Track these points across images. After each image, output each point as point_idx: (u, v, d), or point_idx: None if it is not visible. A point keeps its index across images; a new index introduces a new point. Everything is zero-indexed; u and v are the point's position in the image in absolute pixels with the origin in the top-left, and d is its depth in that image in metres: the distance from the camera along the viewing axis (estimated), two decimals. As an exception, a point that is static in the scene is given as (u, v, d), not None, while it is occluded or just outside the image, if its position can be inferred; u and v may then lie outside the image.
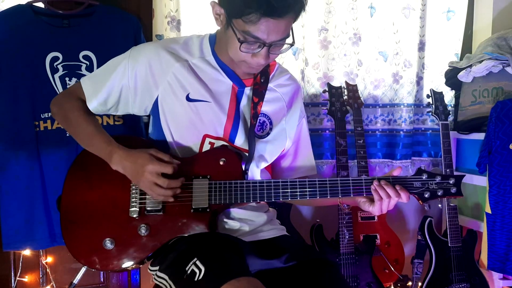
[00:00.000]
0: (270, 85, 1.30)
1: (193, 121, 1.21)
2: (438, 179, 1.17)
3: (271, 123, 1.29)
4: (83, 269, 1.62)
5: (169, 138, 1.24)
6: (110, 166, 1.17)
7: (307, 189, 1.16)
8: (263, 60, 1.14)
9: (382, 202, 1.14)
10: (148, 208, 1.18)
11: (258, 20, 1.05)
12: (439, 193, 1.17)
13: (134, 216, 1.17)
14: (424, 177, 1.17)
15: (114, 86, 1.23)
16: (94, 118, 1.27)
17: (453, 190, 1.18)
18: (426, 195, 1.17)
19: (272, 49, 1.13)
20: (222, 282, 0.95)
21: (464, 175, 1.22)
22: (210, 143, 1.22)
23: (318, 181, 1.17)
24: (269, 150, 1.29)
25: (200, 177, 1.18)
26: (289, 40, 1.13)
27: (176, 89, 1.21)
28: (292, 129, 1.35)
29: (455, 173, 2.06)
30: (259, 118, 1.26)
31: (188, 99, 1.21)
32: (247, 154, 1.24)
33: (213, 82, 1.24)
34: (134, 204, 1.18)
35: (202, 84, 1.22)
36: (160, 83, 1.21)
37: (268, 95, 1.28)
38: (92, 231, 1.19)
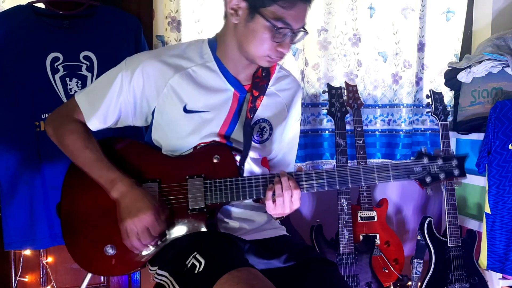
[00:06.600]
0: (272, 89, 1.27)
1: (191, 131, 1.18)
2: (439, 162, 1.14)
3: (271, 128, 1.28)
4: (89, 275, 1.62)
5: (164, 146, 1.22)
6: (109, 193, 1.14)
7: (304, 182, 1.15)
8: (288, 49, 1.12)
9: (282, 197, 1.11)
10: None
11: (294, 5, 1.04)
12: (441, 176, 1.14)
13: None
14: (425, 161, 1.15)
15: (111, 102, 1.18)
16: (92, 142, 1.19)
17: (456, 172, 1.15)
18: (428, 180, 1.14)
19: (293, 38, 1.11)
20: (223, 272, 0.95)
21: (467, 155, 1.17)
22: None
23: (315, 173, 1.15)
24: (263, 150, 1.28)
25: (195, 177, 1.17)
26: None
27: (172, 101, 1.17)
28: (288, 130, 1.35)
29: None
30: (259, 123, 1.25)
31: (186, 110, 1.17)
32: (241, 150, 1.21)
33: (214, 89, 1.20)
34: None
35: (201, 92, 1.18)
36: (158, 94, 1.17)
37: (269, 100, 1.26)
38: (93, 238, 1.18)
